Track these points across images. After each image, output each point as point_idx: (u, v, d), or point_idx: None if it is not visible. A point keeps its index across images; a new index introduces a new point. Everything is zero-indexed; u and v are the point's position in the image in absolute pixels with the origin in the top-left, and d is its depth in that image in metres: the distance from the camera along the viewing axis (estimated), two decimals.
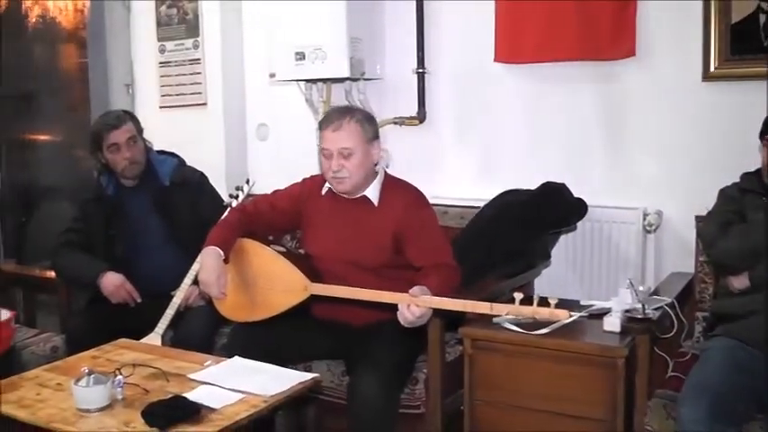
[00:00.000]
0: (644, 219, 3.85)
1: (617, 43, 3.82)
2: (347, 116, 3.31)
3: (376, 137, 3.37)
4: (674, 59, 3.77)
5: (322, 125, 3.36)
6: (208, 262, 3.31)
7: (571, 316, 2.88)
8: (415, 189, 3.45)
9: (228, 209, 3.71)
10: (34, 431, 2.61)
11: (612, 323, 3.05)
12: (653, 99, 3.85)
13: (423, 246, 3.27)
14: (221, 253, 3.32)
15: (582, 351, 2.99)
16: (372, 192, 3.35)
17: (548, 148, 4.13)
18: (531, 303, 2.80)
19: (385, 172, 3.46)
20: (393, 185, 3.42)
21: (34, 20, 5.30)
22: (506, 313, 2.88)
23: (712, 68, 3.67)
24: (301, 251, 3.62)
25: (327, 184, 3.42)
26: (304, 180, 3.60)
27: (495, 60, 4.14)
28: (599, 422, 2.98)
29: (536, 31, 3.98)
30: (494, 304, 2.89)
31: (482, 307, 2.89)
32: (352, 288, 3.14)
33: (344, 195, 3.39)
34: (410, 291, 2.95)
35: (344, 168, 3.25)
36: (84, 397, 2.55)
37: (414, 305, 2.93)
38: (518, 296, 2.81)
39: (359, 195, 3.36)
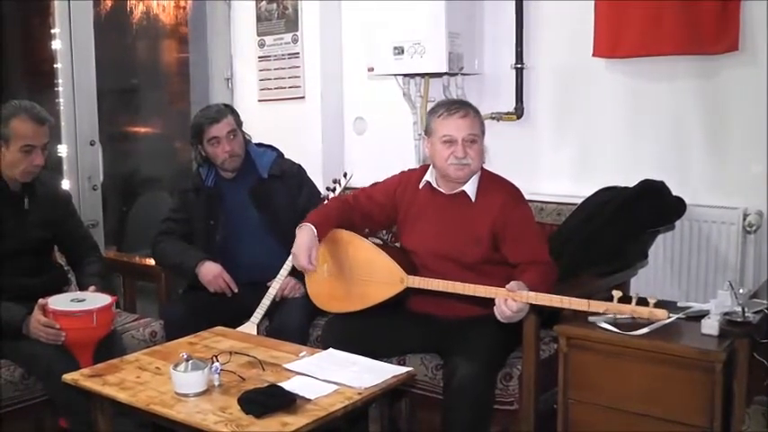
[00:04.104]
0: (744, 219, 3.75)
1: (719, 37, 3.73)
2: (469, 107, 3.36)
3: (484, 133, 3.39)
4: None
5: (443, 113, 3.33)
6: (300, 236, 3.37)
7: (670, 317, 2.83)
8: (512, 185, 3.43)
9: (326, 201, 3.73)
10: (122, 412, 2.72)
11: (711, 326, 2.98)
12: (755, 95, 3.73)
13: (519, 242, 3.26)
14: (314, 230, 3.35)
15: (679, 354, 2.92)
16: (470, 187, 3.34)
17: (647, 145, 4.06)
18: (628, 302, 2.77)
19: (481, 167, 3.44)
20: (490, 181, 3.40)
21: (138, 17, 5.42)
22: (604, 311, 2.85)
23: None
24: (397, 245, 3.63)
25: (426, 178, 3.44)
26: (401, 173, 3.61)
27: (594, 55, 4.08)
28: (695, 428, 2.91)
29: (637, 25, 3.91)
30: (591, 301, 2.87)
31: (580, 303, 2.87)
32: (448, 281, 3.15)
33: (442, 190, 3.39)
34: (507, 286, 2.96)
35: (468, 155, 3.26)
36: (183, 381, 2.62)
37: (511, 300, 2.93)
38: (616, 294, 2.79)
39: (456, 191, 3.36)
